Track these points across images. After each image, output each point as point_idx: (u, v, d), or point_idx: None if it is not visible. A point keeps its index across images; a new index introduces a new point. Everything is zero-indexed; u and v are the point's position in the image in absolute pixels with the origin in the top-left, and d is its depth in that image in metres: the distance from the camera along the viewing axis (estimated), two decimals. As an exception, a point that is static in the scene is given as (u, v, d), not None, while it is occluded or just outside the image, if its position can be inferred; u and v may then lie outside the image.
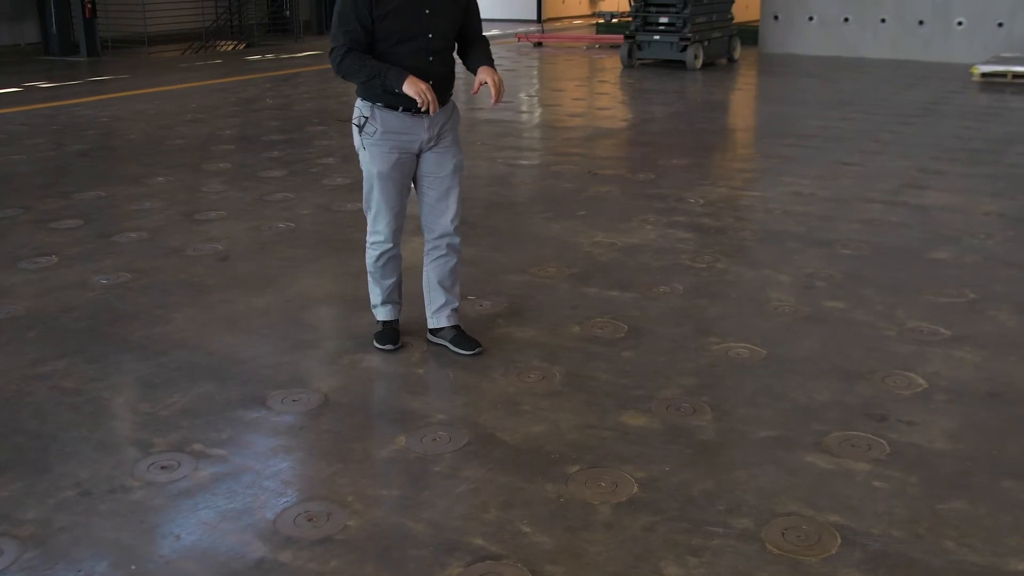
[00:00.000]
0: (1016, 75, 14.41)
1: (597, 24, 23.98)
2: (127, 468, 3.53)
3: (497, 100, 4.21)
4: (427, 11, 4.15)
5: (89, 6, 18.58)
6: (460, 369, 4.40)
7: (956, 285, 5.50)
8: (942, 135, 10.28)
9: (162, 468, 3.52)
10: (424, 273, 4.60)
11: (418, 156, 4.36)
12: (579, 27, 26.48)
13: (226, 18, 21.88)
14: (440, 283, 4.55)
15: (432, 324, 4.62)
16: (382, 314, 4.65)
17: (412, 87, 4.05)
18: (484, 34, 4.49)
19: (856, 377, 4.28)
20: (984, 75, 14.65)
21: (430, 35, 4.17)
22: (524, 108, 12.57)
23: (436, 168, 4.37)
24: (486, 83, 4.16)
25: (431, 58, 4.19)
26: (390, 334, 4.61)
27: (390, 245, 4.48)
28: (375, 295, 4.63)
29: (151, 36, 19.79)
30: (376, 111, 4.26)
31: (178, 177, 8.34)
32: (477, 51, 4.34)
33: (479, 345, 4.54)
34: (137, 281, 5.61)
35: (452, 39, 4.31)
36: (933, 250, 6.19)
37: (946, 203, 7.38)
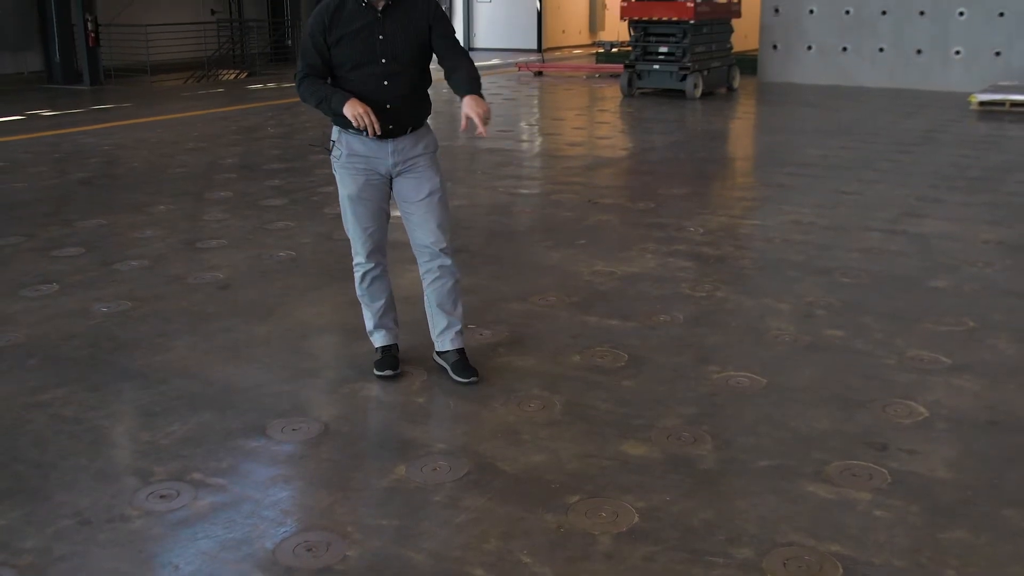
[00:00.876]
0: (1014, 103, 14.47)
1: (597, 53, 24.09)
2: (126, 497, 3.52)
3: (483, 132, 4.17)
4: (380, 37, 4.18)
5: (93, 35, 18.70)
6: (460, 398, 4.40)
7: (956, 313, 5.50)
8: (941, 163, 10.31)
9: (161, 497, 3.52)
10: (424, 298, 4.61)
11: (392, 181, 4.39)
12: (579, 56, 26.60)
13: (228, 47, 22.01)
14: (440, 306, 4.55)
15: (438, 347, 4.63)
16: (378, 339, 4.66)
17: (350, 109, 4.10)
18: (463, 49, 4.43)
19: (856, 406, 4.28)
20: (982, 104, 14.72)
21: (383, 60, 4.19)
22: (524, 137, 12.61)
23: (412, 193, 4.38)
24: (471, 118, 4.12)
25: (386, 83, 4.21)
26: (388, 360, 4.61)
27: (371, 265, 4.51)
28: (368, 320, 4.65)
29: (154, 65, 19.90)
30: (342, 135, 4.35)
31: (180, 205, 8.36)
32: (458, 75, 4.26)
33: (476, 374, 4.53)
34: (138, 309, 5.62)
35: (415, 63, 4.29)
36: (932, 278, 6.19)
37: (945, 231, 7.40)
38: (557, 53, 27.56)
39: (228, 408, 4.29)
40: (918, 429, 4.06)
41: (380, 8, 4.19)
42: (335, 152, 4.39)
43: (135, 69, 20.03)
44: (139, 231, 7.42)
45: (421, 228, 4.42)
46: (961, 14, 17.70)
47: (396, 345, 4.69)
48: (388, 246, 4.62)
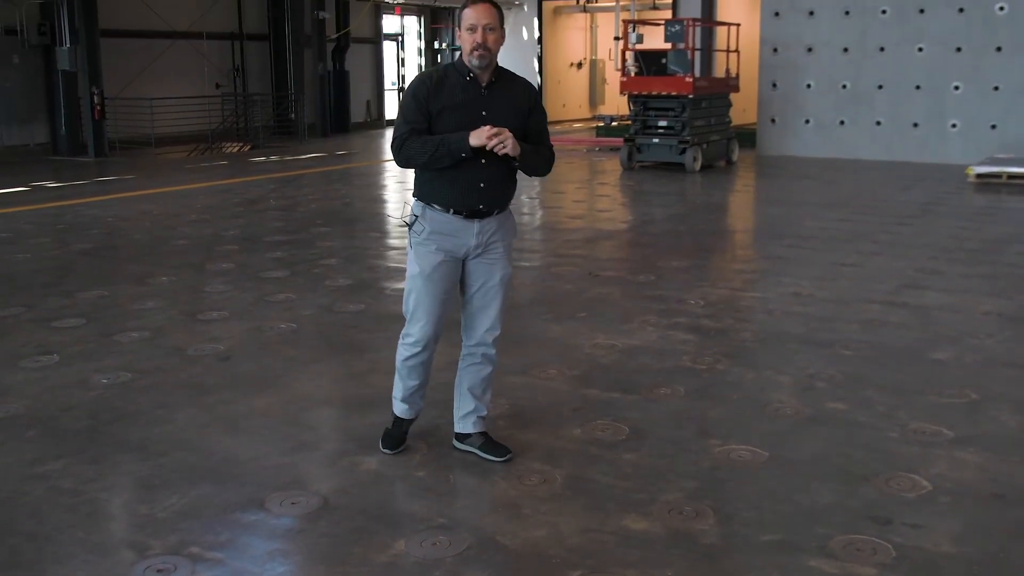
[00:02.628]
0: (1011, 176, 14.58)
1: (597, 127, 24.32)
2: (123, 571, 3.49)
3: (499, 143, 4.08)
4: (484, 112, 4.15)
5: (99, 108, 18.92)
6: (460, 472, 4.37)
7: (957, 386, 5.49)
8: (940, 235, 10.36)
9: (158, 572, 3.48)
10: (457, 376, 4.55)
11: (464, 263, 4.32)
12: (579, 130, 26.87)
13: (232, 120, 22.25)
14: (471, 390, 4.50)
15: (459, 429, 4.56)
16: (399, 409, 4.55)
17: (476, 138, 4.02)
18: (549, 142, 4.41)
19: (859, 479, 4.25)
20: (979, 176, 14.82)
21: None
22: (525, 210, 12.69)
23: (483, 278, 4.33)
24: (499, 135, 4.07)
25: (484, 160, 4.15)
26: (396, 437, 4.54)
27: (419, 349, 4.38)
28: (397, 389, 4.53)
29: (158, 137, 20.09)
30: (427, 211, 4.26)
31: (181, 277, 8.39)
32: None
33: (509, 451, 4.47)
34: (138, 381, 5.61)
35: None
36: (933, 350, 6.19)
37: (945, 303, 7.41)
38: (558, 127, 27.84)
39: (227, 481, 4.26)
40: (922, 503, 4.03)
41: (484, 84, 4.20)
42: (416, 227, 4.29)
43: (139, 141, 20.23)
44: (140, 302, 7.44)
45: (481, 314, 4.38)
46: (957, 88, 17.93)
47: (411, 422, 4.59)
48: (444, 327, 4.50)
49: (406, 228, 4.37)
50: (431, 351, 4.44)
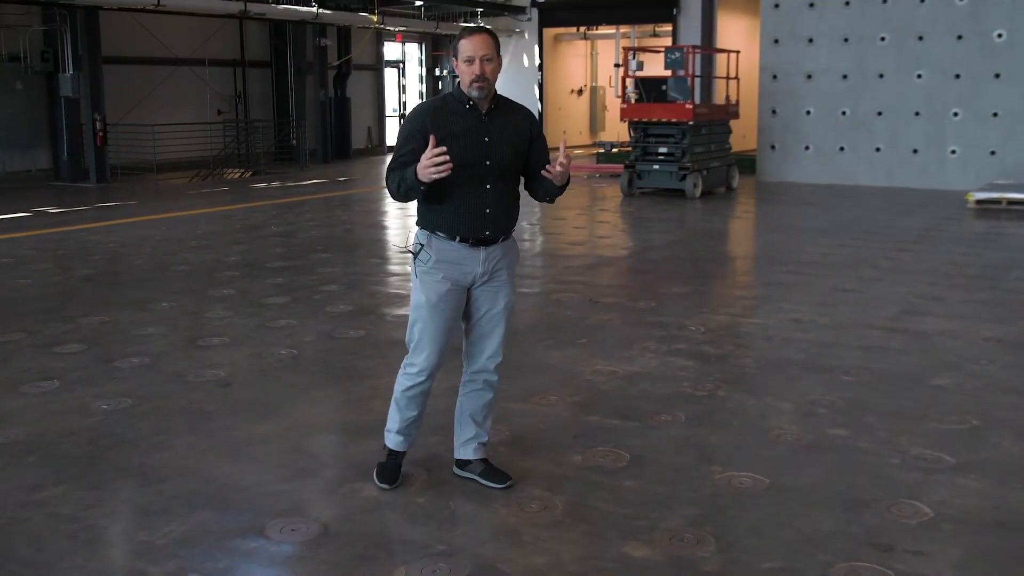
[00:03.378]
0: (1010, 202, 14.62)
1: (597, 154, 24.39)
2: (122, 599, 3.47)
3: (564, 167, 4.17)
4: (486, 139, 4.17)
5: (101, 134, 18.99)
6: (460, 499, 4.36)
7: (958, 412, 5.48)
8: (940, 261, 10.37)
9: (157, 599, 3.47)
10: (458, 403, 4.54)
11: (469, 291, 4.31)
12: (580, 156, 26.93)
13: (233, 146, 22.32)
14: (472, 416, 4.50)
15: (459, 455, 4.55)
16: (393, 442, 4.49)
17: (421, 171, 3.98)
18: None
19: (861, 506, 4.24)
20: (979, 202, 14.86)
21: (487, 162, 4.17)
22: (526, 236, 12.71)
23: (487, 305, 4.33)
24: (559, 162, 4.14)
25: (488, 186, 4.18)
26: (392, 470, 4.49)
27: (423, 379, 4.36)
28: (392, 421, 4.48)
29: (160, 163, 20.14)
30: (432, 239, 4.25)
31: (182, 303, 8.40)
32: (546, 182, 4.29)
33: (510, 478, 4.46)
34: (138, 407, 5.60)
35: (514, 170, 4.29)
36: (934, 376, 6.19)
37: (946, 329, 7.41)
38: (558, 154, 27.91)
39: (227, 507, 4.25)
40: (924, 529, 4.02)
41: (484, 111, 4.22)
42: (422, 256, 4.27)
43: (141, 167, 20.29)
44: (141, 328, 7.44)
45: (484, 340, 4.38)
46: (956, 115, 18.01)
47: (404, 454, 4.55)
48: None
49: (411, 256, 4.36)
50: (433, 381, 4.42)
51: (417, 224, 4.35)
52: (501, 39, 28.42)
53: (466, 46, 4.12)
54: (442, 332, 4.29)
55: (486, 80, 4.12)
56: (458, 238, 4.21)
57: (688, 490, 4.43)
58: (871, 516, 4.14)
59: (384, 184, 4.30)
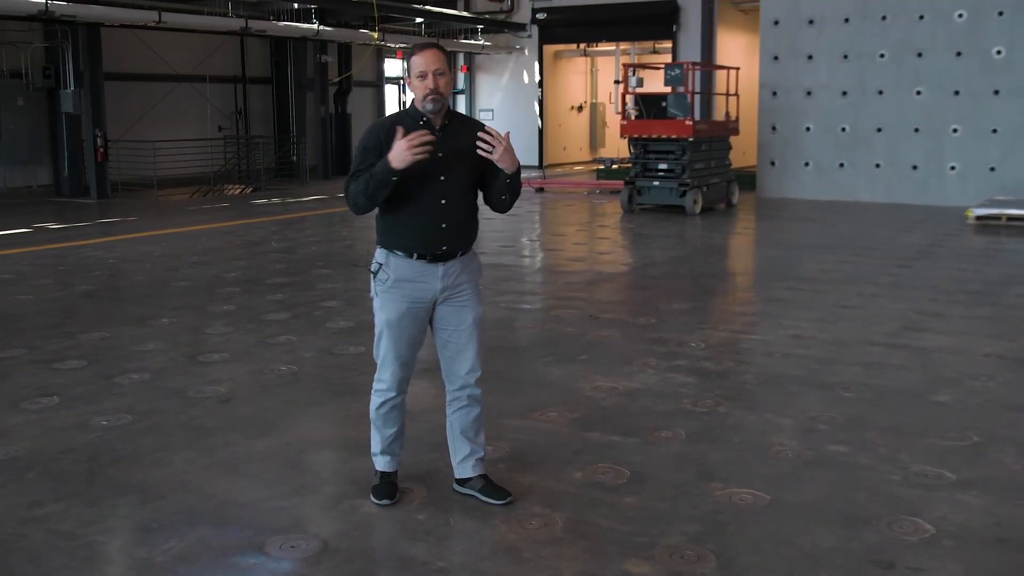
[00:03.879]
0: (1010, 218, 14.64)
1: (598, 170, 24.44)
2: (121, 616, 3.46)
3: (496, 143, 4.12)
4: (440, 154, 4.19)
5: (102, 150, 19.03)
6: (460, 515, 4.35)
7: (959, 428, 5.48)
8: (940, 277, 10.38)
9: (156, 617, 3.46)
10: (448, 423, 4.55)
11: (435, 307, 4.34)
12: (580, 173, 27.00)
13: (234, 162, 22.36)
14: (463, 433, 4.50)
15: (458, 474, 4.55)
16: (381, 464, 4.53)
17: (397, 158, 4.01)
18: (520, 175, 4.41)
19: (861, 522, 4.23)
20: (979, 218, 14.88)
21: (442, 177, 4.21)
22: (526, 252, 12.73)
23: (454, 321, 4.35)
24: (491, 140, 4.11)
25: (443, 201, 4.22)
26: (387, 488, 4.50)
27: (393, 394, 4.42)
28: (375, 443, 4.53)
29: (160, 179, 20.18)
30: (391, 258, 4.29)
31: (182, 319, 8.40)
32: (497, 181, 4.28)
33: (509, 494, 4.46)
34: (138, 423, 5.60)
35: (469, 185, 4.32)
36: (935, 392, 6.18)
37: (946, 345, 7.41)
38: (558, 169, 27.98)
39: (226, 524, 4.24)
40: (924, 546, 4.01)
41: (438, 127, 4.25)
42: (381, 275, 4.31)
43: (142, 183, 20.33)
44: (141, 344, 7.44)
45: (459, 357, 4.39)
46: (955, 131, 18.05)
47: (396, 472, 4.57)
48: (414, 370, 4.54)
49: (371, 276, 4.39)
50: (404, 395, 4.47)
51: (377, 243, 4.38)
52: (502, 56, 28.62)
53: (418, 62, 4.18)
54: (407, 347, 4.35)
55: (439, 94, 4.18)
56: (416, 255, 4.25)
57: (688, 507, 4.42)
58: (872, 533, 4.13)
59: (345, 198, 4.32)
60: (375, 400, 4.46)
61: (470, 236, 4.38)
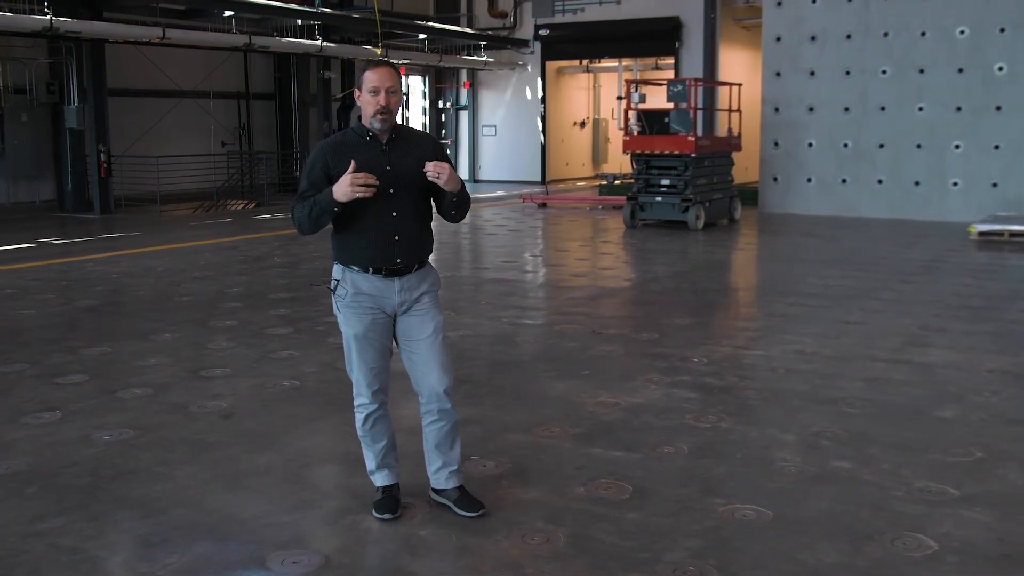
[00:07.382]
0: (1013, 234, 14.64)
1: (600, 185, 24.47)
2: (122, 632, 3.45)
3: (436, 173, 4.18)
4: (388, 167, 4.24)
5: (105, 165, 19.08)
6: (463, 531, 4.34)
7: (963, 443, 5.46)
8: (943, 293, 10.37)
9: (157, 632, 3.45)
10: (423, 433, 4.55)
11: (395, 319, 4.38)
12: (582, 188, 27.02)
13: (237, 178, 22.40)
14: (437, 447, 4.51)
15: (434, 484, 4.57)
16: (379, 480, 4.54)
17: (340, 192, 4.09)
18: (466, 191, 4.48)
19: (865, 538, 4.21)
20: (981, 234, 14.88)
21: (391, 190, 4.24)
22: (529, 268, 12.73)
23: (416, 332, 4.38)
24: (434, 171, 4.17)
25: (394, 213, 4.27)
26: (389, 502, 4.50)
27: (374, 406, 4.44)
28: (369, 460, 4.54)
29: (164, 195, 20.23)
30: (347, 274, 4.34)
31: (185, 334, 8.40)
32: (444, 197, 4.35)
33: (482, 507, 4.47)
34: (140, 438, 5.59)
35: (422, 195, 4.36)
36: (938, 408, 6.17)
37: (949, 360, 7.39)
38: (561, 185, 28.01)
39: (228, 539, 4.23)
40: (928, 563, 3.99)
41: (385, 141, 4.29)
42: (339, 291, 4.37)
43: (145, 199, 20.37)
44: (143, 359, 7.44)
45: (425, 368, 4.40)
46: (957, 147, 18.06)
47: (397, 485, 4.58)
48: (390, 377, 4.59)
49: (330, 293, 4.42)
50: (385, 406, 4.49)
51: (333, 259, 4.41)
52: (504, 72, 28.70)
53: (371, 77, 4.22)
54: (376, 357, 4.39)
55: (389, 112, 4.23)
56: (371, 269, 4.28)
57: (691, 522, 4.41)
58: (875, 549, 4.12)
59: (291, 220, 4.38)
60: (359, 417, 4.48)
61: (424, 249, 4.42)
